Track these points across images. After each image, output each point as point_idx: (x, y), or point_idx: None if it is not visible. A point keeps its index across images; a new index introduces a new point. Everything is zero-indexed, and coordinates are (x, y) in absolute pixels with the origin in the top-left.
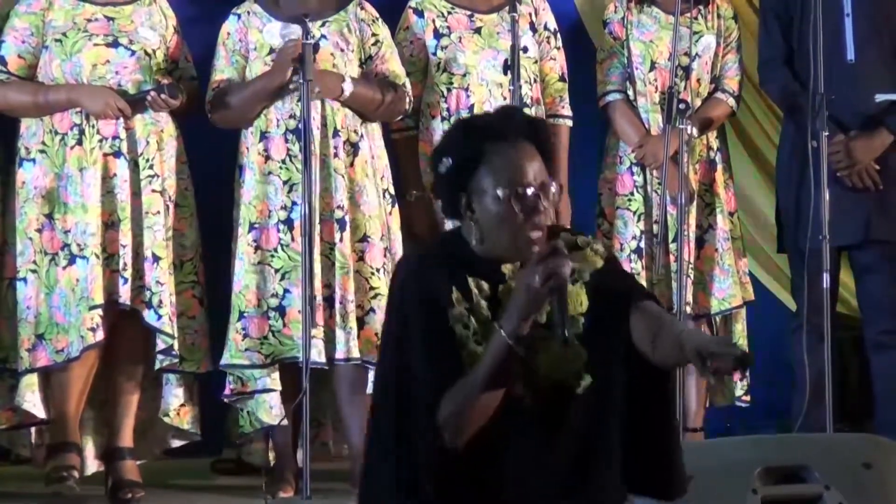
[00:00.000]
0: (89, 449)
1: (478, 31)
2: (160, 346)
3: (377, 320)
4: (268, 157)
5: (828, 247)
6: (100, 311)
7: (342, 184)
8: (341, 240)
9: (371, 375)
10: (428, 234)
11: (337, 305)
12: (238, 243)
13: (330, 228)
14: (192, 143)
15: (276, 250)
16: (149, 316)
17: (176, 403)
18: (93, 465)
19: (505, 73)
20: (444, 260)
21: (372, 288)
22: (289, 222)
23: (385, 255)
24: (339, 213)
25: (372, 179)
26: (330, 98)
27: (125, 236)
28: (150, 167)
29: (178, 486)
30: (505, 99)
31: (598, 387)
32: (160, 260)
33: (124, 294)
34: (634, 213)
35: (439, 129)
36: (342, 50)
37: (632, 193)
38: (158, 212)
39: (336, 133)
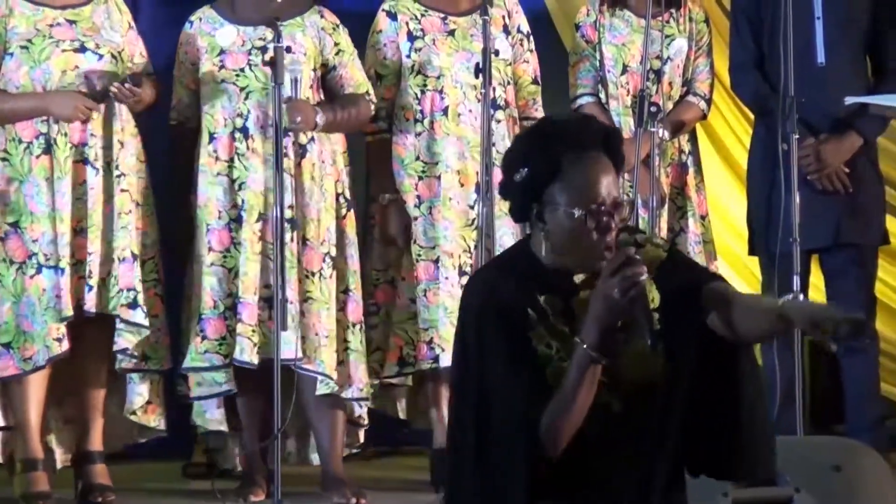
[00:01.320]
0: (56, 444)
1: (451, 33)
2: (122, 344)
3: (306, 325)
4: (216, 158)
5: (798, 250)
6: (65, 322)
7: (290, 184)
8: (292, 239)
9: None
10: (401, 236)
11: (288, 305)
12: (196, 245)
13: (274, 228)
14: (149, 142)
15: (227, 250)
16: (135, 316)
17: (141, 401)
18: (59, 461)
19: (477, 77)
20: (514, 275)
21: (305, 291)
22: (238, 220)
23: (323, 261)
24: (288, 213)
25: (318, 183)
26: (306, 130)
27: (93, 243)
28: (117, 167)
29: (149, 490)
30: (479, 101)
31: (677, 381)
32: (137, 258)
33: (90, 301)
34: None
35: (412, 131)
36: (294, 54)
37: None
38: (130, 211)
39: (286, 133)
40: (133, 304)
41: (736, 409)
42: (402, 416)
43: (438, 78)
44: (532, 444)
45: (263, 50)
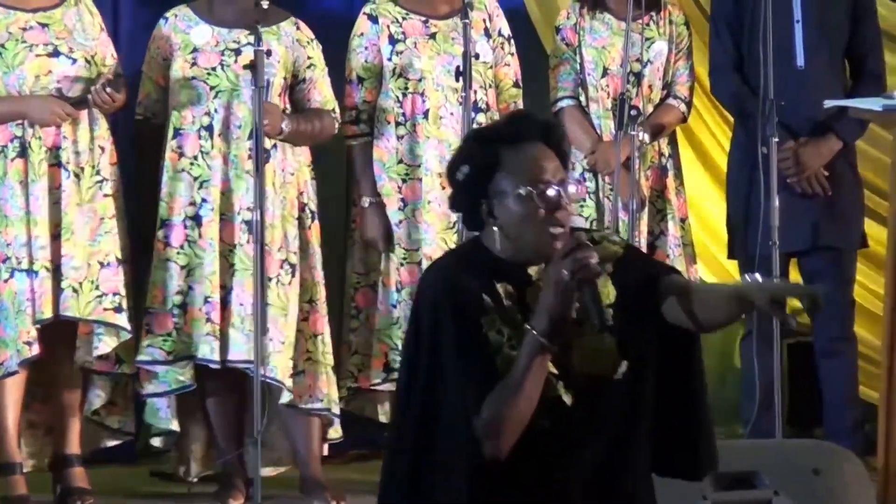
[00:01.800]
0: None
1: (433, 36)
2: (103, 349)
3: (275, 329)
4: (181, 154)
5: (777, 253)
6: (38, 325)
7: (249, 186)
8: (248, 241)
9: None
10: (382, 239)
11: (237, 307)
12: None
13: (231, 230)
14: (121, 145)
15: (181, 247)
16: (120, 320)
17: (100, 402)
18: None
19: (457, 80)
20: (470, 267)
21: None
22: (196, 219)
23: (281, 267)
24: (247, 215)
25: (278, 189)
26: (272, 135)
27: (67, 247)
28: (97, 173)
29: (127, 493)
30: (460, 104)
31: (634, 375)
32: (122, 263)
33: (66, 305)
34: (587, 219)
35: (394, 134)
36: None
37: (584, 200)
38: (113, 215)
39: (251, 135)
40: (119, 309)
41: (695, 404)
42: (382, 419)
43: (420, 81)
44: (480, 432)
45: (237, 52)
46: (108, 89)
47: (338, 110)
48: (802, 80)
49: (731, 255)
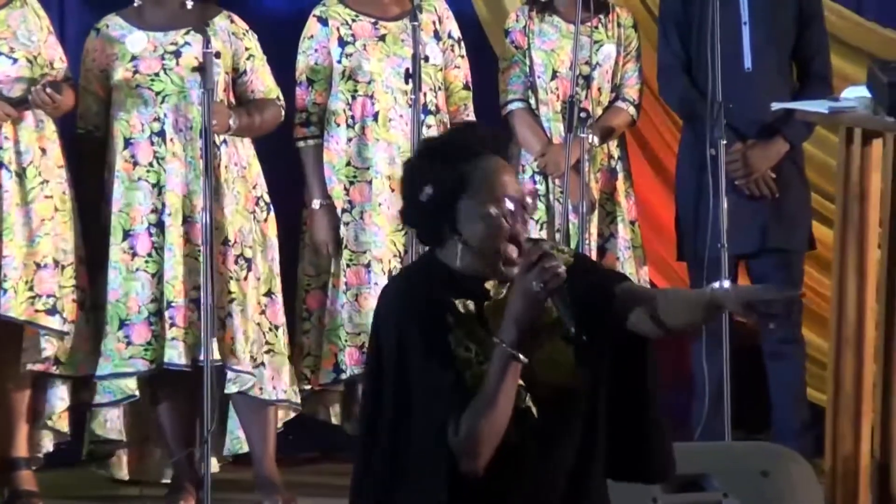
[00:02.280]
0: None
1: (382, 38)
2: (50, 351)
3: (233, 325)
4: (135, 164)
5: (726, 255)
6: None
7: (196, 185)
8: (207, 242)
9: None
10: (332, 242)
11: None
12: (111, 252)
13: (196, 230)
14: (71, 147)
15: (149, 255)
16: (53, 322)
17: (62, 407)
18: None
19: (407, 82)
20: (430, 283)
21: (230, 292)
22: (160, 225)
23: (236, 262)
24: (196, 215)
25: (232, 184)
26: (219, 133)
27: (8, 247)
28: (39, 174)
29: (76, 497)
30: (409, 106)
31: (592, 382)
32: (59, 265)
33: (5, 305)
34: (537, 221)
35: (344, 136)
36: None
37: (534, 202)
38: (52, 217)
39: (200, 135)
40: (52, 311)
41: (648, 407)
42: (334, 420)
43: (369, 83)
44: (456, 451)
45: (177, 54)
46: (49, 90)
47: (281, 97)
48: (750, 83)
49: (680, 257)
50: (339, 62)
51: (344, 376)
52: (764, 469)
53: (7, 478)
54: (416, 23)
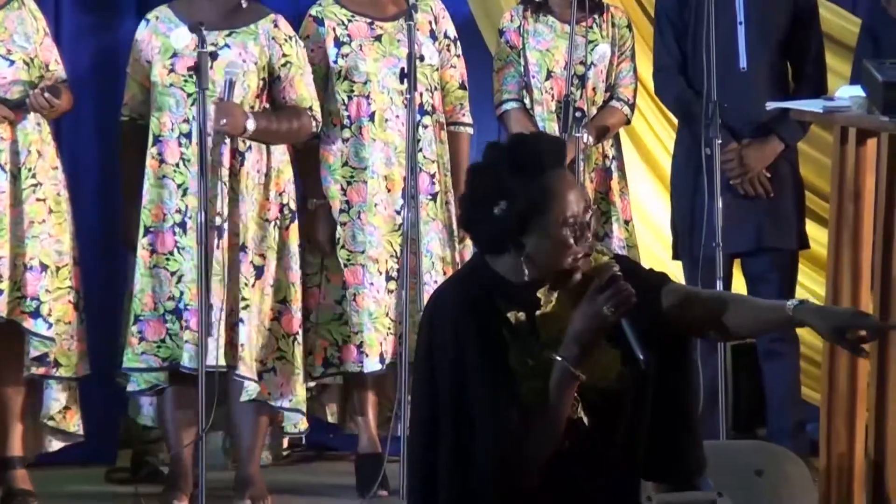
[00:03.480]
0: None
1: (378, 38)
2: (33, 353)
3: (242, 331)
4: (162, 161)
5: (721, 254)
6: None
7: (223, 191)
8: (217, 247)
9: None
10: (328, 241)
11: (212, 312)
12: (139, 245)
13: (211, 235)
14: (67, 147)
15: (171, 253)
16: (36, 325)
17: (58, 407)
18: None
19: (402, 82)
20: (481, 293)
21: (243, 298)
22: (183, 225)
23: (251, 268)
24: (217, 220)
25: (252, 191)
26: (232, 134)
27: (1, 247)
28: (33, 176)
29: (71, 495)
30: (405, 106)
31: (637, 385)
32: (47, 268)
33: (0, 305)
34: None
35: (340, 136)
36: (244, 61)
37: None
38: (43, 220)
39: (224, 140)
40: (35, 314)
41: (689, 406)
42: (331, 419)
43: (365, 83)
44: (510, 466)
45: (213, 56)
46: (47, 94)
47: (316, 108)
48: (745, 82)
49: (675, 257)
50: (336, 62)
51: (333, 371)
52: (758, 468)
53: (2, 477)
54: (411, 22)
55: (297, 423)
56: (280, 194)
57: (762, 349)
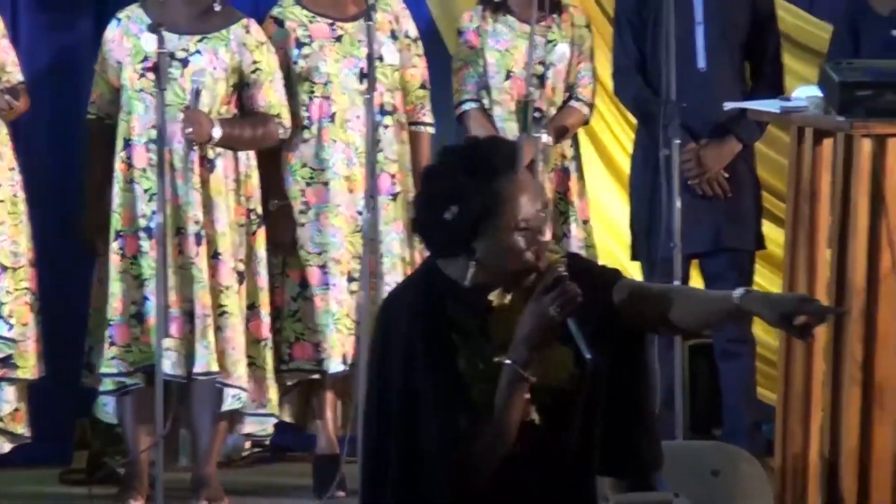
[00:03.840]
0: None
1: (339, 39)
2: None
3: (223, 338)
4: (130, 165)
5: (679, 255)
6: None
7: (197, 198)
8: (198, 254)
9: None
10: (289, 243)
11: (196, 319)
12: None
13: (188, 242)
14: (24, 148)
15: (135, 258)
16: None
17: (8, 409)
18: None
19: (361, 82)
20: (434, 297)
21: (220, 305)
22: (148, 230)
23: (233, 275)
24: (195, 228)
25: (225, 197)
26: (198, 141)
27: None
28: None
29: (25, 496)
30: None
31: (590, 383)
32: (6, 269)
33: None
34: None
35: (300, 137)
36: (214, 68)
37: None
38: (2, 221)
39: (193, 148)
40: None
41: (644, 401)
42: (290, 420)
43: (326, 84)
44: (461, 469)
45: (184, 63)
46: (7, 97)
47: (285, 116)
48: (703, 83)
49: (633, 257)
50: (296, 63)
51: (284, 367)
52: (714, 468)
53: None
54: (370, 22)
55: (267, 428)
56: (248, 199)
57: (718, 349)
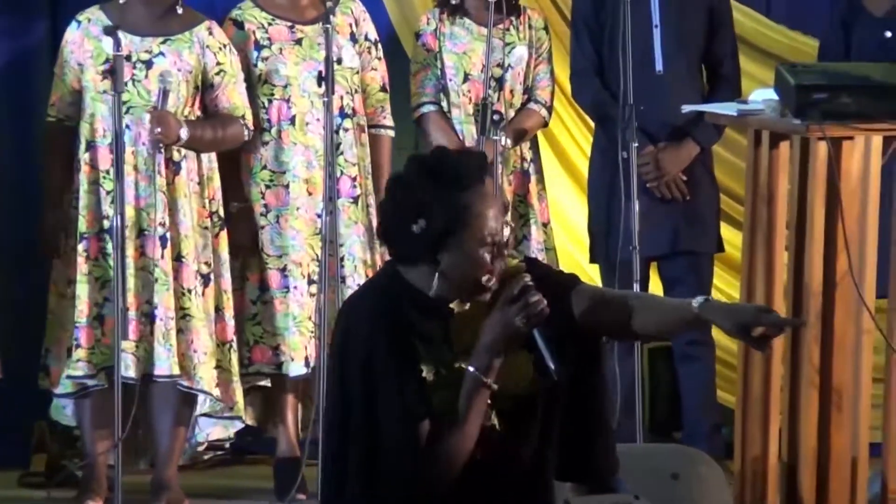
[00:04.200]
0: None
1: (298, 42)
2: None
3: (185, 341)
4: (94, 167)
5: (638, 258)
6: None
7: (161, 200)
8: (162, 256)
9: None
10: (249, 245)
11: (157, 322)
12: (72, 247)
13: (152, 244)
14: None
15: (97, 259)
16: None
17: None
18: None
19: (319, 85)
20: (396, 304)
21: (182, 308)
22: (110, 232)
23: (196, 278)
24: (160, 230)
25: (189, 199)
26: (167, 143)
27: None
28: None
29: None
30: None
31: (549, 388)
32: None
33: None
34: None
35: (260, 140)
36: (178, 70)
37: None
38: None
39: (160, 149)
40: None
41: (600, 407)
42: (251, 422)
43: (285, 87)
44: (423, 474)
45: (148, 64)
46: None
47: (249, 117)
48: (661, 86)
49: (592, 260)
50: (256, 66)
51: (243, 371)
52: (674, 471)
53: None
54: (328, 25)
55: (231, 432)
56: (211, 201)
57: (678, 353)
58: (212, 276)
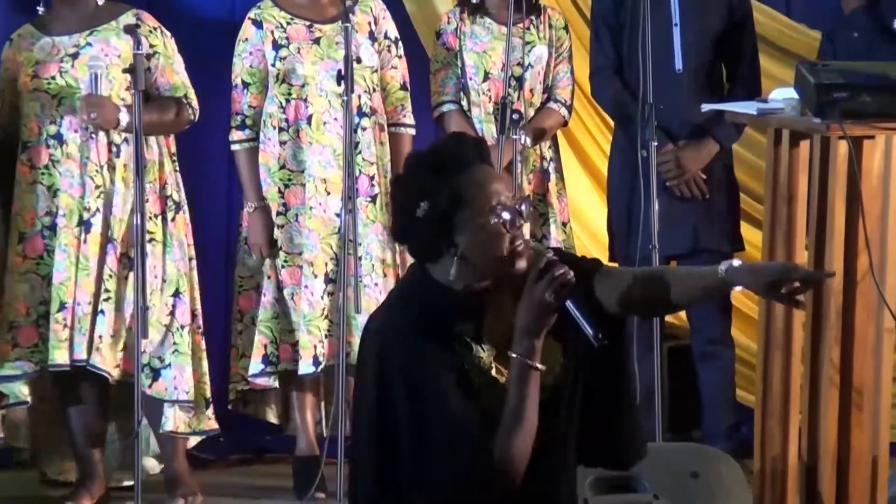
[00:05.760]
0: None
1: (317, 41)
2: None
3: (104, 321)
4: (31, 167)
5: (657, 256)
6: None
7: (91, 185)
8: (85, 241)
9: None
10: (266, 244)
11: (75, 307)
12: (8, 254)
13: (93, 232)
14: None
15: (41, 257)
16: None
17: None
18: None
19: (339, 84)
20: (426, 310)
21: (106, 290)
22: (53, 227)
23: (120, 261)
24: (86, 215)
25: (127, 183)
26: (105, 127)
27: None
28: None
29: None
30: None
31: (574, 374)
32: None
33: None
34: None
35: (278, 139)
36: (107, 55)
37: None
38: None
39: (94, 135)
40: None
41: (626, 390)
42: (272, 420)
43: (303, 86)
44: (498, 481)
45: (74, 56)
46: None
47: (192, 96)
48: (680, 84)
49: (612, 259)
50: (274, 65)
51: (272, 369)
52: (694, 470)
53: None
54: (347, 24)
55: (193, 419)
56: (163, 187)
57: (697, 352)
58: (154, 264)
